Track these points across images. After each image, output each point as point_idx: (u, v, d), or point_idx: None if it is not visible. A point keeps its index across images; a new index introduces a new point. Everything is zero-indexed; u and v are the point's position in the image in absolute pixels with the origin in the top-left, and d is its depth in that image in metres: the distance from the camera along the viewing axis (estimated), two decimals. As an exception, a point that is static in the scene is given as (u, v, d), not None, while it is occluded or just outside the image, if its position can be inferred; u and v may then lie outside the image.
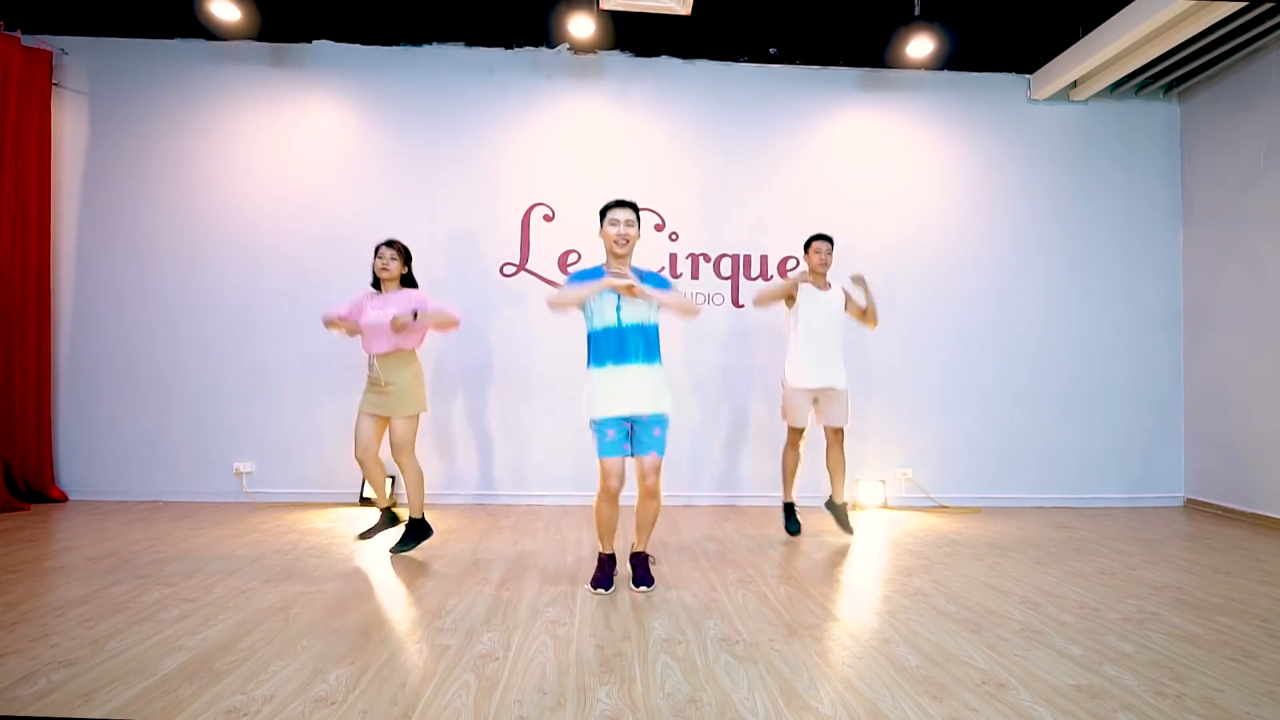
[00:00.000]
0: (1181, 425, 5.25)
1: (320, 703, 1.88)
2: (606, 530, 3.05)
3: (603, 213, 3.01)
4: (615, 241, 2.95)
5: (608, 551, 3.08)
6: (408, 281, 3.64)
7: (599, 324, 2.95)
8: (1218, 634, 2.52)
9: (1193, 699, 2.00)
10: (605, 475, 2.94)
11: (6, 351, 4.54)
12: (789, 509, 4.11)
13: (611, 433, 2.93)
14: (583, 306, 2.99)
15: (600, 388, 2.93)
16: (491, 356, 4.99)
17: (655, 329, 3.00)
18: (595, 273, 3.01)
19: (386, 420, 3.54)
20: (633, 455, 2.99)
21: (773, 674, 2.12)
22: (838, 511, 4.06)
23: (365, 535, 3.66)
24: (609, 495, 2.96)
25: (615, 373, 2.90)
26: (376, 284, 3.63)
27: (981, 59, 5.19)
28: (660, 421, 2.96)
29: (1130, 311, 5.25)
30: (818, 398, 3.96)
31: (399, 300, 3.49)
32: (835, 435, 4.00)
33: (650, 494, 2.99)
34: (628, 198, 3.08)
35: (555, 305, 3.02)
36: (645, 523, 3.08)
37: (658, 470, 2.97)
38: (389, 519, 3.67)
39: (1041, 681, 2.09)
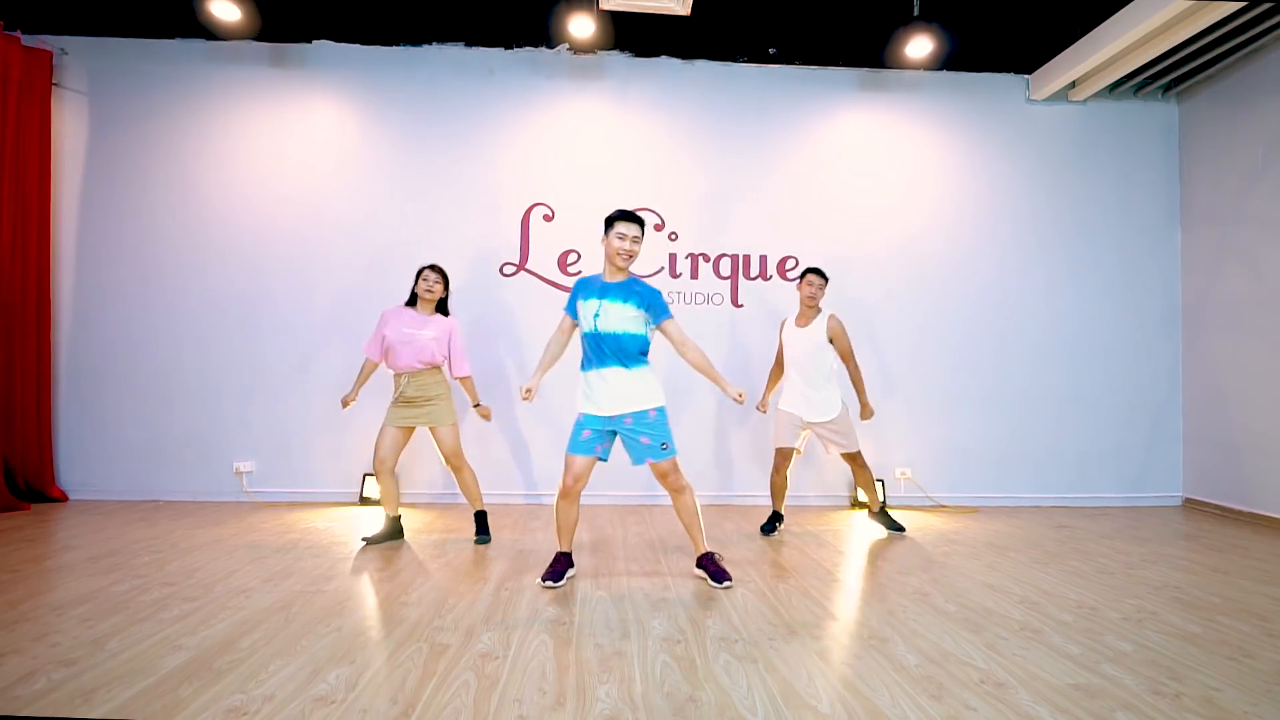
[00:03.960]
0: (1180, 425, 5.26)
1: (320, 702, 1.89)
2: (562, 527, 3.12)
3: (609, 221, 3.00)
4: (618, 254, 2.97)
5: (563, 549, 3.14)
6: (441, 306, 3.83)
7: (584, 329, 3.05)
8: (1216, 633, 2.53)
9: (1191, 698, 2.00)
10: (565, 469, 3.02)
11: (6, 351, 4.54)
12: (775, 516, 4.18)
13: (587, 433, 3.01)
14: (575, 313, 3.10)
15: (582, 388, 3.05)
16: (491, 357, 4.99)
17: (636, 338, 2.99)
18: (583, 280, 3.10)
19: (410, 433, 3.73)
20: (635, 465, 3.10)
21: (772, 673, 2.13)
22: (881, 519, 4.19)
23: (373, 540, 3.68)
24: (564, 491, 3.04)
25: (595, 375, 2.99)
26: (412, 301, 3.79)
27: (980, 59, 5.19)
28: (644, 425, 2.96)
29: (1129, 311, 5.26)
30: (812, 429, 4.06)
31: (437, 326, 3.72)
32: (850, 459, 4.10)
33: (674, 490, 3.07)
34: (635, 210, 3.10)
35: (550, 357, 3.14)
36: (687, 522, 3.12)
37: (672, 470, 3.02)
38: (395, 528, 3.77)
39: (1040, 680, 2.10)
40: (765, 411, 4.27)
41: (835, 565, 3.44)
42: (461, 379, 3.82)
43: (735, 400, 2.99)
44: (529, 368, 4.98)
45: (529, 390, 2.99)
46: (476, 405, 3.83)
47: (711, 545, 3.73)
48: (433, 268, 3.75)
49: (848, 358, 4.05)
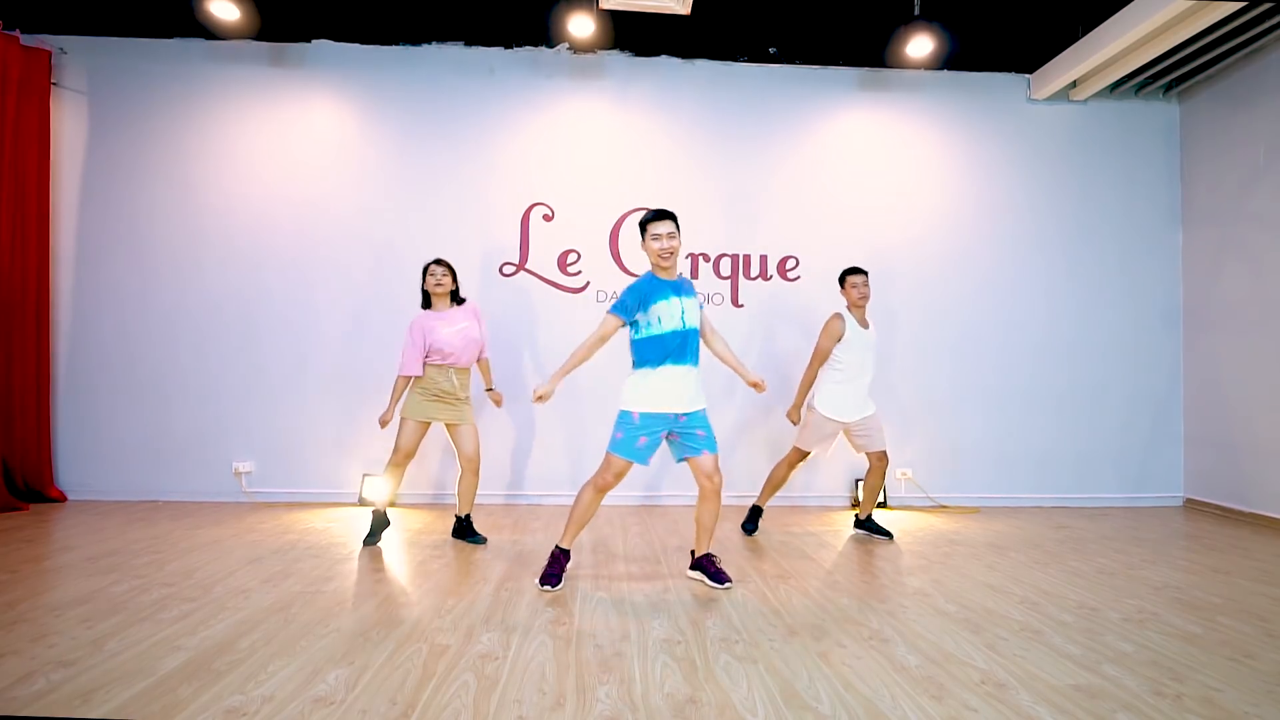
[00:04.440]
0: (1181, 425, 5.25)
1: (319, 703, 1.88)
2: (579, 521, 3.06)
3: (643, 226, 3.01)
4: (661, 254, 2.96)
5: (566, 546, 3.09)
6: (455, 298, 3.83)
7: (666, 327, 2.94)
8: (1217, 634, 2.53)
9: (1192, 699, 2.00)
10: (608, 468, 2.96)
11: (6, 351, 4.54)
12: (756, 511, 4.15)
13: (644, 439, 2.94)
14: (632, 315, 2.97)
15: (656, 383, 2.94)
16: (489, 356, 4.97)
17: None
18: (648, 281, 2.99)
19: (427, 430, 3.72)
20: (681, 460, 3.06)
21: (772, 674, 2.12)
22: (869, 526, 4.12)
23: (370, 541, 3.68)
24: (603, 487, 2.99)
25: (675, 372, 2.95)
26: (426, 302, 3.80)
27: (981, 59, 5.19)
28: (701, 420, 2.99)
29: (1130, 311, 5.25)
30: (852, 428, 3.97)
31: (467, 314, 3.76)
32: (880, 459, 3.99)
33: (715, 493, 3.02)
34: (667, 208, 3.08)
35: (578, 361, 3.02)
36: (708, 525, 3.10)
37: (717, 469, 3.01)
38: (384, 519, 3.76)
39: (1041, 681, 2.09)
40: (797, 422, 4.06)
41: (835, 566, 3.44)
42: (485, 360, 3.86)
43: (754, 387, 3.03)
44: (527, 369, 4.98)
45: (542, 395, 2.92)
46: (489, 389, 3.87)
47: (712, 545, 3.73)
48: (438, 261, 3.77)
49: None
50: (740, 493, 5.02)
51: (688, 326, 2.98)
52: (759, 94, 5.17)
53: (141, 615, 2.53)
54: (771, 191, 5.16)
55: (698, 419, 2.99)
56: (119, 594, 2.77)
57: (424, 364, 3.67)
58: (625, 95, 5.14)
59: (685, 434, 2.99)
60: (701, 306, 3.15)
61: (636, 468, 3.16)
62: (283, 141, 4.99)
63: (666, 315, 2.97)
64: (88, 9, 4.73)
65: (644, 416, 2.93)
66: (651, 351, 2.97)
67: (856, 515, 4.19)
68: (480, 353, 3.84)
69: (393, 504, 3.81)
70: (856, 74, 5.23)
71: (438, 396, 3.66)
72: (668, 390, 2.94)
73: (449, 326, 3.68)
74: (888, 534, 4.06)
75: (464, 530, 3.83)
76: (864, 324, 3.98)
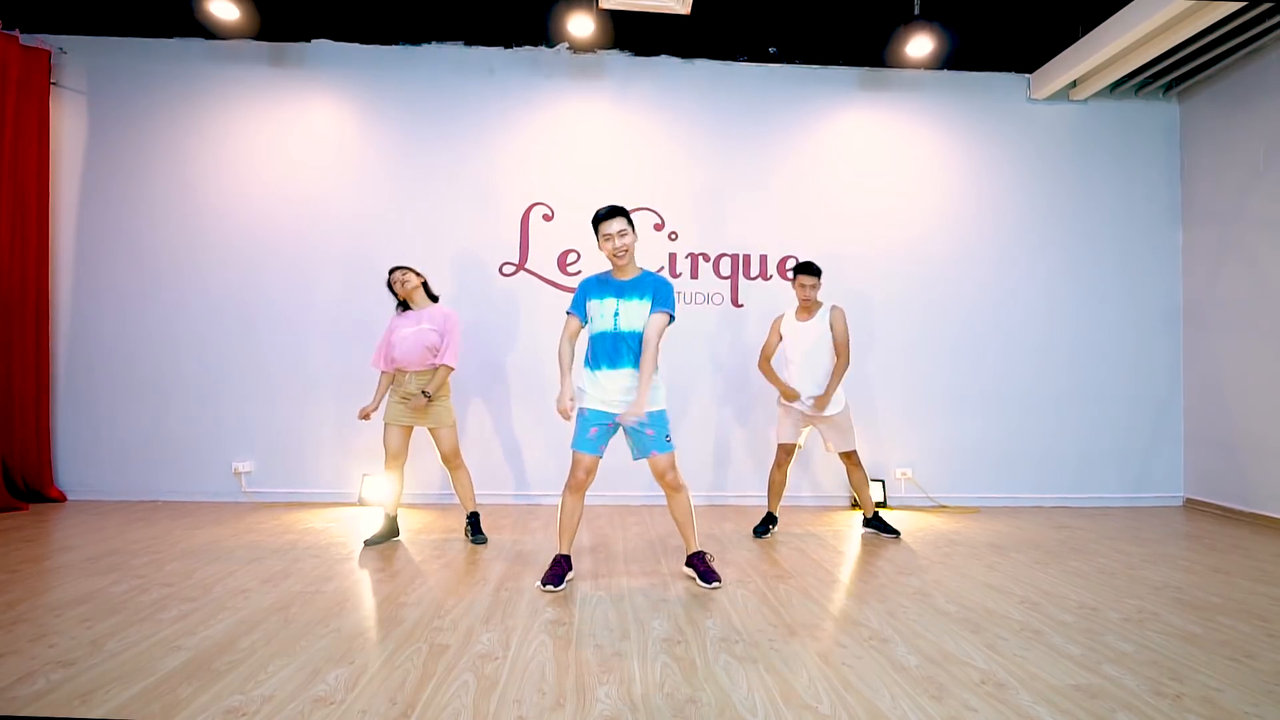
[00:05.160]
0: (1181, 425, 5.25)
1: (319, 703, 1.88)
2: (565, 525, 3.06)
3: (595, 225, 2.98)
4: (614, 253, 2.96)
5: (563, 552, 3.09)
6: (430, 294, 3.84)
7: (598, 328, 3.01)
8: (1217, 634, 2.52)
9: (1192, 698, 2.00)
10: (574, 466, 3.02)
11: (6, 351, 4.54)
12: (768, 518, 4.15)
13: (594, 430, 2.99)
14: (583, 313, 3.07)
15: (589, 387, 3.02)
16: (489, 356, 4.98)
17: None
18: (592, 279, 3.09)
19: (411, 429, 3.73)
20: (637, 459, 3.07)
21: (772, 674, 2.12)
22: (874, 524, 4.11)
23: (373, 541, 3.68)
24: (575, 486, 3.02)
25: (607, 375, 2.98)
26: (403, 304, 3.82)
27: (981, 58, 5.19)
28: (649, 421, 2.96)
29: (1130, 311, 5.25)
30: (814, 425, 4.00)
31: (432, 317, 3.70)
32: (847, 458, 4.02)
33: (672, 488, 3.06)
34: (617, 203, 3.07)
35: (564, 363, 3.07)
36: (681, 520, 3.12)
37: (670, 467, 3.02)
38: (393, 527, 3.79)
39: (1041, 681, 2.09)
40: (798, 397, 3.95)
41: (835, 565, 3.44)
42: (441, 365, 3.65)
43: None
44: (527, 368, 4.98)
45: (567, 409, 2.92)
46: (423, 391, 3.61)
47: (711, 546, 3.73)
48: (395, 268, 3.78)
49: (842, 349, 3.94)
50: (738, 493, 5.03)
51: (620, 329, 2.94)
52: (759, 94, 5.17)
53: (141, 615, 2.53)
54: (771, 191, 5.16)
55: (647, 419, 2.95)
56: (119, 594, 2.77)
57: (389, 362, 3.74)
58: (625, 95, 5.13)
59: (634, 433, 2.99)
60: (658, 305, 2.93)
61: (632, 466, 3.15)
62: (283, 141, 4.99)
63: (598, 315, 3.00)
64: (88, 9, 4.72)
65: (590, 411, 3.00)
66: (590, 351, 3.04)
67: (864, 516, 4.17)
68: (437, 358, 3.66)
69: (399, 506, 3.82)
70: (856, 74, 5.23)
71: (404, 398, 3.68)
72: (598, 391, 2.98)
73: (406, 327, 3.69)
74: (895, 532, 4.07)
75: (471, 527, 3.84)
76: (804, 318, 3.99)
